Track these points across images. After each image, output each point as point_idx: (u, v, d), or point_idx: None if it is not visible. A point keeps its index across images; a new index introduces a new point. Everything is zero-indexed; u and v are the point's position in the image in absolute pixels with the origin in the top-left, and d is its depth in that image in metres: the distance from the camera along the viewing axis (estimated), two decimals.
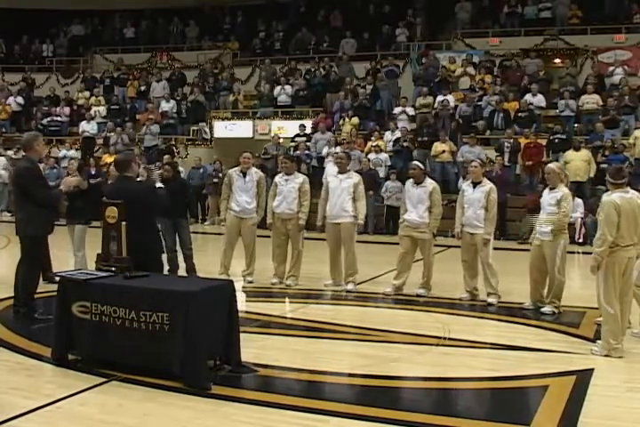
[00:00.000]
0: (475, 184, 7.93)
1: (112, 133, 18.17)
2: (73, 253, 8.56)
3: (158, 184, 6.64)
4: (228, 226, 8.87)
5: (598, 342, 5.93)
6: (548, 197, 7.41)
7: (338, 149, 15.24)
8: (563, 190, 7.35)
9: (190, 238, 8.95)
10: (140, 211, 5.65)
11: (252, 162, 9.05)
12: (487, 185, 7.89)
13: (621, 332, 5.84)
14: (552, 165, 7.66)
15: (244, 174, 8.75)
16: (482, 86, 17.21)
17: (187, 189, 9.77)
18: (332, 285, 8.61)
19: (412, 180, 8.38)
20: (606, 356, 5.73)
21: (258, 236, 9.06)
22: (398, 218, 8.69)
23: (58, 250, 7.55)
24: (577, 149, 13.95)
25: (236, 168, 8.95)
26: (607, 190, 6.14)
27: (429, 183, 8.25)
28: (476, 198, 7.82)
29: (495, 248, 8.21)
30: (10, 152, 15.84)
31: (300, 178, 8.78)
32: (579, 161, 13.80)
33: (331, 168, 14.41)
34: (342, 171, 8.67)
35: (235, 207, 8.75)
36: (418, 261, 8.43)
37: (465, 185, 8.15)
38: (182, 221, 8.93)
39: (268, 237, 8.92)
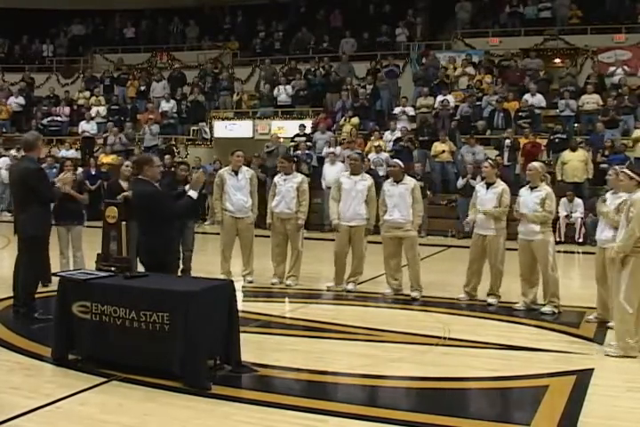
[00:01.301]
0: (488, 185, 7.82)
1: (109, 133, 18.13)
2: (60, 252, 8.45)
3: (192, 192, 5.74)
4: (225, 226, 8.83)
5: (612, 343, 5.89)
6: (531, 197, 7.37)
7: (338, 149, 15.29)
8: (546, 188, 7.34)
9: (193, 240, 8.82)
10: (146, 215, 5.64)
11: (243, 161, 9.04)
12: (500, 186, 7.76)
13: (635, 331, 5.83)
14: (535, 164, 7.63)
15: (236, 173, 8.77)
16: (479, 87, 17.19)
17: None
18: (333, 287, 8.57)
19: (390, 179, 8.32)
20: (623, 356, 5.68)
21: (256, 235, 9.06)
22: None
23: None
24: (574, 149, 13.89)
25: (226, 168, 8.99)
26: (610, 190, 6.14)
27: (409, 180, 8.21)
28: (488, 199, 7.71)
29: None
30: (14, 152, 15.78)
31: (298, 177, 8.78)
32: (576, 161, 13.74)
33: (328, 168, 14.45)
34: (355, 172, 8.56)
35: (229, 207, 8.74)
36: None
37: (478, 186, 8.04)
38: (188, 222, 8.89)
39: (267, 236, 8.92)
